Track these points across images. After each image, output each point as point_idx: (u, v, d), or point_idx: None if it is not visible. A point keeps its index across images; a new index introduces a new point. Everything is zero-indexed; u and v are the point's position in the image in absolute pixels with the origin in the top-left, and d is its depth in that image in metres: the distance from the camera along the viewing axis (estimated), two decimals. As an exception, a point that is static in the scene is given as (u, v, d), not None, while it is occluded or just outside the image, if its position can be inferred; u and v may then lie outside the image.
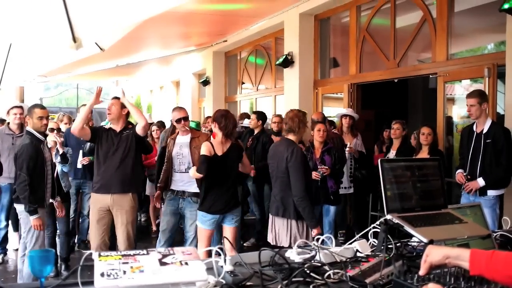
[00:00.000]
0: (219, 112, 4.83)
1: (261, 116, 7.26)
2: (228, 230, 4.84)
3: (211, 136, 4.97)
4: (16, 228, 6.70)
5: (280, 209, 4.40)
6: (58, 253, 5.84)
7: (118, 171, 4.97)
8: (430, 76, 6.60)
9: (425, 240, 2.04)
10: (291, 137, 4.49)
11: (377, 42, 7.23)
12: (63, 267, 5.81)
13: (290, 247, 4.17)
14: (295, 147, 4.40)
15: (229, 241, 3.81)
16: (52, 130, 5.85)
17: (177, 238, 5.67)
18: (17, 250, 6.67)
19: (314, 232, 4.22)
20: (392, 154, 6.00)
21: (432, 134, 5.50)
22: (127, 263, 1.62)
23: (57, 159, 5.67)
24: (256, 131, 7.16)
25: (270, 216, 4.59)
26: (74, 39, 2.26)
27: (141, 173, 5.76)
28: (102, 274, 1.53)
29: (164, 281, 1.57)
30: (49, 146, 5.65)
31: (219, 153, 4.61)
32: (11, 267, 6.22)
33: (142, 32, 7.94)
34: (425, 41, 6.58)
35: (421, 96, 10.13)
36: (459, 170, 5.01)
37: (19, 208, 4.75)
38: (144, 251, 1.73)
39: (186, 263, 1.66)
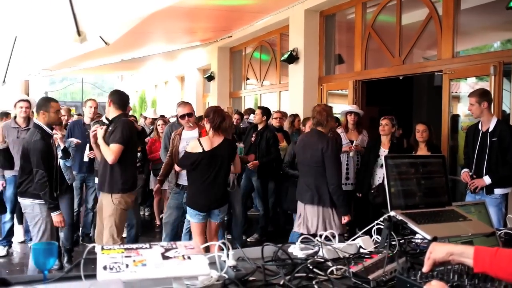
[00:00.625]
0: (209, 108, 4.92)
1: (266, 111, 7.24)
2: (211, 224, 4.90)
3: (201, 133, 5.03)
4: (21, 221, 6.73)
5: (315, 197, 4.63)
6: (62, 245, 5.86)
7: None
8: (436, 74, 6.57)
9: (428, 237, 2.04)
10: (320, 129, 4.74)
11: (383, 39, 7.20)
12: (65, 259, 5.82)
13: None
14: (329, 139, 4.70)
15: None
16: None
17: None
18: (22, 242, 6.72)
19: (345, 219, 4.63)
20: (383, 152, 5.78)
21: (427, 130, 5.51)
22: (129, 256, 1.62)
23: (59, 154, 5.68)
24: (260, 127, 7.14)
25: (301, 205, 4.77)
26: (79, 33, 2.25)
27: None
28: (105, 267, 1.53)
29: (166, 275, 1.57)
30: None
31: (207, 148, 4.63)
32: (16, 260, 6.25)
33: (147, 27, 7.93)
34: (431, 39, 6.54)
35: (426, 94, 10.10)
36: (465, 170, 5.00)
37: (24, 202, 4.72)
38: (147, 245, 1.73)
39: (189, 257, 1.66)
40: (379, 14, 7.27)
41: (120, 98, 4.95)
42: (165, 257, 1.64)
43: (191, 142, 4.73)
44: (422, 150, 5.46)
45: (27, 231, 6.68)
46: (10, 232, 6.51)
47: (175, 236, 5.46)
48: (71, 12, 2.15)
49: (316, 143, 4.65)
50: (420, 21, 6.58)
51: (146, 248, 1.71)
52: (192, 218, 4.79)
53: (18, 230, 6.76)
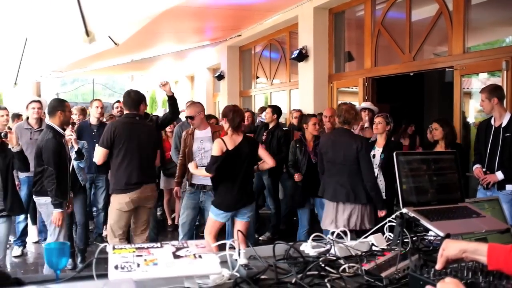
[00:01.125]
0: (227, 107, 4.88)
1: (277, 110, 7.24)
2: (240, 224, 4.87)
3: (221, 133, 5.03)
4: (34, 221, 6.78)
5: (351, 195, 4.73)
6: (76, 245, 5.92)
7: None
8: (447, 70, 6.52)
9: (441, 234, 2.02)
10: (347, 128, 4.86)
11: (393, 36, 7.16)
12: (79, 259, 5.87)
13: (362, 230, 4.52)
14: (363, 138, 4.87)
15: (243, 234, 3.82)
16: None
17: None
18: (36, 242, 6.77)
19: (383, 213, 4.78)
20: (378, 152, 5.57)
21: (439, 128, 5.45)
22: (141, 256, 1.62)
23: (72, 155, 5.73)
24: (271, 125, 7.14)
25: (330, 203, 4.84)
26: (87, 33, 2.26)
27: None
28: (116, 267, 1.54)
29: (177, 274, 1.57)
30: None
31: (230, 148, 4.64)
32: (30, 260, 6.31)
33: (157, 27, 7.95)
34: (441, 35, 6.49)
35: (437, 90, 10.03)
36: (477, 165, 4.95)
37: (40, 201, 4.84)
38: (158, 244, 1.73)
39: (200, 256, 1.65)
40: (388, 10, 7.22)
41: (128, 98, 5.03)
42: (176, 256, 1.64)
43: (215, 144, 4.72)
44: (441, 148, 5.40)
45: (41, 232, 6.74)
46: (24, 232, 6.57)
47: (192, 236, 5.50)
48: (80, 12, 2.15)
49: (350, 142, 4.75)
50: (430, 17, 6.53)
51: (157, 247, 1.71)
52: (217, 217, 4.81)
53: (32, 230, 6.82)
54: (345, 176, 4.78)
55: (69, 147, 5.75)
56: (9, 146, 4.49)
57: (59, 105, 4.89)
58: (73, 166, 5.54)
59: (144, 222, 5.07)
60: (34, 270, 5.73)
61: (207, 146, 5.29)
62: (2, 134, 4.40)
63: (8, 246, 6.49)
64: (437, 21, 6.39)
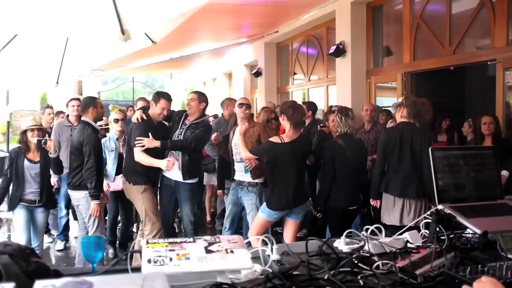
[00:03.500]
0: (287, 103, 4.85)
1: (311, 106, 7.21)
2: (292, 225, 4.86)
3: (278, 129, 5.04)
4: (76, 217, 6.97)
5: (419, 190, 4.72)
6: (117, 239, 6.38)
7: None
8: (489, 63, 6.33)
9: (478, 231, 1.97)
10: (415, 121, 4.85)
11: (432, 29, 7.00)
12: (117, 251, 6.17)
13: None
14: (426, 131, 4.88)
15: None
16: (116, 120, 6.08)
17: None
18: (77, 237, 6.96)
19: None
20: None
21: (494, 123, 5.32)
22: (173, 250, 1.64)
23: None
24: (307, 122, 7.11)
25: (401, 199, 4.77)
26: (123, 31, 2.30)
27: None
28: (149, 261, 1.56)
29: (209, 268, 1.58)
30: (116, 136, 5.99)
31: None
32: (72, 254, 6.50)
33: (194, 25, 8.02)
34: (483, 27, 6.31)
35: (479, 84, 9.76)
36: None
37: (77, 195, 5.07)
38: (191, 239, 1.75)
39: (232, 251, 1.66)
40: (428, 3, 7.07)
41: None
42: (208, 251, 1.66)
43: (272, 138, 4.77)
44: (488, 143, 5.27)
45: (81, 226, 6.93)
46: (66, 227, 6.78)
47: (236, 230, 5.59)
48: (115, 11, 2.19)
49: (418, 136, 4.73)
50: (472, 8, 6.35)
51: (190, 242, 1.73)
52: (269, 217, 4.78)
53: (74, 225, 7.00)
54: (414, 171, 4.72)
55: (121, 142, 6.05)
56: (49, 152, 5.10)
57: (91, 102, 5.21)
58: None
59: None
60: (75, 264, 5.90)
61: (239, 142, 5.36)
62: (42, 142, 5.03)
63: (51, 240, 6.76)
64: (479, 13, 6.21)
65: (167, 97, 5.28)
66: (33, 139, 4.99)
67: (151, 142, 5.02)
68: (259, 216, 4.85)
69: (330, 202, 5.03)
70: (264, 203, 4.84)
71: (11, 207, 5.09)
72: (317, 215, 5.26)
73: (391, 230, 4.22)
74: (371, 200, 5.08)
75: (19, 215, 5.08)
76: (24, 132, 5.04)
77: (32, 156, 5.09)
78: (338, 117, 5.10)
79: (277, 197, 4.66)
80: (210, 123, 6.34)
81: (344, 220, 5.08)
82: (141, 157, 5.03)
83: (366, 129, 6.77)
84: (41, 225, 5.25)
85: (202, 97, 5.45)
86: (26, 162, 5.04)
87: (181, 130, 5.33)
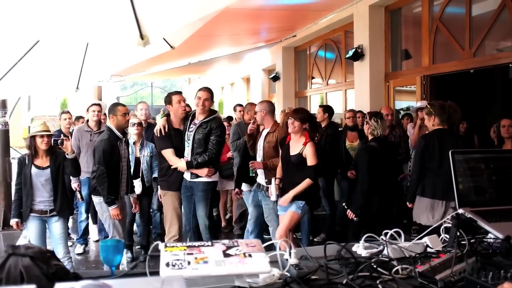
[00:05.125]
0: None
1: (328, 109, 7.21)
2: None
3: None
4: (95, 220, 7.04)
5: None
6: (139, 242, 6.45)
7: None
8: (510, 66, 6.24)
9: (500, 236, 1.94)
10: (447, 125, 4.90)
11: (451, 32, 6.93)
12: (142, 253, 6.21)
13: None
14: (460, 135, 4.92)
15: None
16: (133, 124, 6.13)
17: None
18: (96, 241, 7.02)
19: None
20: None
21: None
22: (191, 254, 1.65)
23: (143, 154, 6.09)
24: (323, 125, 7.11)
25: (443, 202, 4.76)
26: (142, 36, 2.32)
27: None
28: (168, 264, 1.57)
29: (227, 272, 1.59)
30: (133, 140, 6.03)
31: None
32: (91, 257, 6.56)
33: (212, 29, 8.05)
34: (505, 29, 6.23)
35: (500, 87, 9.63)
36: None
37: (96, 200, 5.06)
38: (209, 243, 1.76)
39: (250, 255, 1.66)
40: (447, 6, 7.00)
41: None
42: (226, 255, 1.66)
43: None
44: (508, 147, 5.21)
45: (101, 230, 6.99)
46: (86, 230, 6.84)
47: (260, 233, 5.60)
48: (133, 15, 2.21)
49: (455, 141, 4.75)
50: (492, 10, 6.27)
51: (208, 245, 1.73)
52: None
53: (93, 229, 7.06)
54: (449, 175, 4.75)
55: (138, 146, 6.09)
56: (65, 153, 4.78)
57: (111, 109, 5.14)
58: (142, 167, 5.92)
59: None
60: (95, 267, 5.95)
61: (260, 145, 5.41)
62: (59, 142, 4.70)
63: (71, 244, 6.83)
64: (499, 15, 6.13)
65: (174, 92, 5.41)
66: (42, 145, 4.67)
67: (177, 161, 5.08)
68: (294, 212, 4.94)
69: (366, 206, 5.11)
70: (300, 202, 4.94)
71: (24, 218, 4.78)
72: (355, 218, 5.27)
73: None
74: (407, 203, 5.10)
75: (32, 227, 4.79)
76: (32, 137, 4.70)
77: (40, 162, 4.74)
78: (374, 121, 5.19)
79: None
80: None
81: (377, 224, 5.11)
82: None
83: (385, 133, 6.68)
84: (58, 234, 4.84)
85: (212, 94, 5.43)
86: (33, 169, 4.70)
87: (191, 131, 5.20)
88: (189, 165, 5.09)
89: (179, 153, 5.24)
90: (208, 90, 5.41)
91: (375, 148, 5.13)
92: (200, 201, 5.23)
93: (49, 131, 4.78)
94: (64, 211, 4.87)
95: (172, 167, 5.21)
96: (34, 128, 4.73)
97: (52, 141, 4.70)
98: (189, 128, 5.25)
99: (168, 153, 5.20)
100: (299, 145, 4.93)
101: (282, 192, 5.02)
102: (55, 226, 4.82)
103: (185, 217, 5.44)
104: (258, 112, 5.48)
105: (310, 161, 4.85)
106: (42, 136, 4.66)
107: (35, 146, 4.69)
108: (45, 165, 4.74)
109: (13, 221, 4.81)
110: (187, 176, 5.26)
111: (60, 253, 4.77)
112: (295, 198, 4.91)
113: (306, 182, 4.83)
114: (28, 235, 4.90)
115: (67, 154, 4.76)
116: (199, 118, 5.22)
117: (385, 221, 5.14)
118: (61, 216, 4.84)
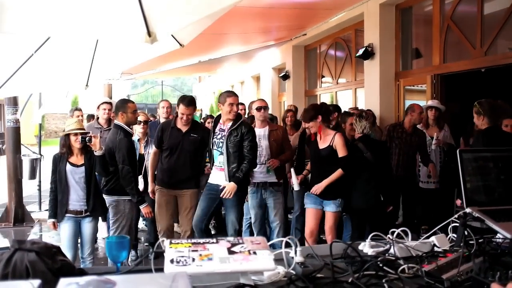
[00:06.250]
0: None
1: (337, 109, 7.21)
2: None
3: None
4: (104, 218, 7.06)
5: None
6: (147, 239, 6.53)
7: None
8: (523, 65, 6.17)
9: (508, 236, 1.92)
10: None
11: (463, 30, 6.87)
12: (150, 250, 6.21)
13: None
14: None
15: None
16: (139, 122, 6.16)
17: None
18: (105, 238, 7.07)
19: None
20: None
21: None
22: (196, 250, 1.65)
23: (147, 151, 6.06)
24: (332, 124, 7.11)
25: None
26: (149, 33, 2.31)
27: None
28: (172, 261, 1.57)
29: (231, 269, 1.58)
30: (138, 137, 6.05)
31: None
32: (100, 254, 6.60)
33: (222, 28, 8.07)
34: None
35: (512, 87, 9.53)
36: None
37: (109, 199, 5.06)
38: (214, 240, 1.75)
39: (255, 253, 1.66)
40: (458, 4, 6.94)
41: None
42: (231, 252, 1.66)
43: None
44: None
45: (110, 228, 7.03)
46: (95, 228, 6.88)
47: (266, 233, 5.59)
48: (141, 12, 2.21)
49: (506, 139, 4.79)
50: (505, 8, 6.21)
51: (213, 242, 1.73)
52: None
53: (102, 227, 7.09)
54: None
55: (143, 143, 6.11)
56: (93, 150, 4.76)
57: (121, 106, 5.11)
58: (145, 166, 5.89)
59: None
60: (104, 264, 5.98)
61: (263, 144, 5.38)
62: (87, 139, 4.67)
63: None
64: None
65: (184, 103, 5.26)
66: (76, 143, 4.66)
67: (230, 188, 4.92)
68: (335, 213, 5.01)
69: (348, 203, 5.17)
70: (337, 201, 4.98)
71: (60, 218, 4.72)
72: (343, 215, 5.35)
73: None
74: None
75: (65, 228, 4.73)
76: (67, 135, 4.70)
77: (75, 160, 4.73)
78: (359, 120, 5.27)
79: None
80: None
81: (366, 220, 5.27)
82: (150, 161, 5.47)
83: (409, 130, 6.46)
84: (88, 235, 4.84)
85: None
86: (68, 166, 4.68)
87: (222, 137, 5.08)
88: (238, 181, 4.96)
89: (170, 152, 5.31)
90: (236, 96, 5.20)
91: (357, 147, 5.19)
92: (232, 206, 5.11)
93: (83, 129, 4.78)
94: (97, 211, 4.85)
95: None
96: (68, 126, 4.71)
97: (80, 138, 4.65)
98: (214, 133, 5.16)
99: None
100: (328, 138, 4.97)
101: (326, 193, 5.04)
102: (87, 226, 4.82)
103: (199, 217, 5.21)
104: (265, 112, 5.51)
105: (341, 152, 4.89)
106: (76, 134, 4.66)
107: (69, 144, 4.69)
108: (80, 163, 4.73)
109: (49, 221, 4.81)
110: (222, 182, 5.07)
111: (85, 252, 4.80)
112: (331, 198, 4.95)
113: (338, 172, 4.89)
114: (61, 238, 4.82)
115: (95, 151, 4.73)
116: (227, 123, 5.10)
117: (374, 217, 5.19)
118: (94, 216, 4.84)
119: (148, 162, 6.07)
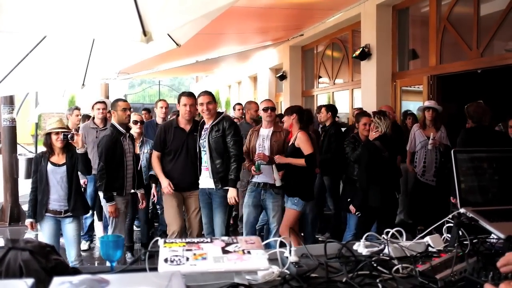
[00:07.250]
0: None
1: (331, 108, 7.23)
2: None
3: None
4: (101, 217, 7.07)
5: None
6: (139, 240, 6.46)
7: None
8: (519, 66, 6.19)
9: (502, 236, 1.92)
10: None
11: (459, 32, 6.89)
12: (142, 251, 6.21)
13: None
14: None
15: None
16: (135, 122, 6.15)
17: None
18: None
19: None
20: None
21: None
22: (190, 250, 1.65)
23: (142, 151, 6.04)
24: (327, 124, 7.13)
25: None
26: (145, 33, 2.31)
27: None
28: (166, 260, 1.57)
29: (225, 268, 1.58)
30: (133, 137, 6.04)
31: None
32: (96, 254, 6.61)
33: (219, 28, 8.06)
34: (513, 29, 6.18)
35: (509, 88, 9.55)
36: None
37: (100, 196, 5.09)
38: (208, 239, 1.75)
39: (249, 252, 1.66)
40: (455, 5, 6.96)
41: None
42: (225, 251, 1.65)
43: None
44: None
45: (106, 227, 7.02)
46: (91, 227, 6.88)
47: (255, 234, 5.54)
48: (136, 11, 2.21)
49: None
50: (501, 10, 6.23)
51: (207, 242, 1.73)
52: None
53: (98, 226, 7.09)
54: None
55: (139, 143, 6.08)
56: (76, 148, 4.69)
57: (112, 105, 5.27)
58: (140, 165, 5.85)
59: None
60: (100, 264, 5.97)
61: (266, 144, 5.36)
62: (69, 136, 4.58)
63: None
64: (508, 15, 6.09)
65: (185, 94, 5.31)
66: (57, 142, 4.59)
67: (232, 192, 4.96)
68: (292, 209, 5.11)
69: (366, 202, 5.26)
70: (294, 198, 5.08)
71: (39, 218, 4.66)
72: (357, 214, 5.40)
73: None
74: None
75: (45, 228, 4.69)
76: (48, 134, 4.62)
77: (56, 159, 4.66)
78: (378, 118, 5.32)
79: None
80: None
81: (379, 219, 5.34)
82: (154, 164, 5.33)
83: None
84: (71, 237, 4.72)
85: (213, 96, 5.22)
86: (49, 166, 4.62)
87: (204, 137, 5.08)
88: (234, 185, 4.97)
89: (175, 154, 5.22)
90: (208, 93, 5.17)
91: (375, 146, 5.23)
92: (218, 207, 5.10)
93: (64, 128, 4.70)
94: (78, 210, 4.78)
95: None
96: (50, 125, 4.65)
97: (62, 136, 4.57)
98: (201, 136, 5.12)
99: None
100: (293, 136, 5.14)
101: (287, 188, 5.20)
102: (69, 227, 4.73)
103: (209, 224, 5.21)
104: (272, 112, 5.50)
105: (305, 149, 4.99)
106: (57, 133, 4.59)
107: (50, 143, 4.63)
108: (61, 162, 4.67)
109: (27, 221, 4.75)
110: (209, 185, 5.09)
111: (72, 255, 4.70)
112: (289, 194, 5.08)
113: (301, 160, 4.99)
114: (42, 235, 4.78)
115: (78, 149, 4.66)
116: (209, 123, 5.08)
117: (387, 217, 5.20)
118: (75, 216, 4.76)
119: (143, 162, 6.06)
